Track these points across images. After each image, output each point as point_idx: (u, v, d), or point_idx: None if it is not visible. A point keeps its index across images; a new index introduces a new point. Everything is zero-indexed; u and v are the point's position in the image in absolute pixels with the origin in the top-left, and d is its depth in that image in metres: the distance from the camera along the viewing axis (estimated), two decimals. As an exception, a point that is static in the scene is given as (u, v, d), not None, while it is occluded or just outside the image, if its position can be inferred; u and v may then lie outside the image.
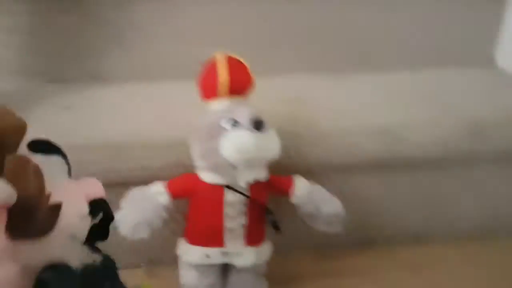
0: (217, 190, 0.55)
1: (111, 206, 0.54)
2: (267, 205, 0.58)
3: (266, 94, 0.71)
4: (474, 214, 0.73)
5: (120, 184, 0.61)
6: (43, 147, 0.32)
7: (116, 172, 0.59)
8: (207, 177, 0.55)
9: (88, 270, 0.30)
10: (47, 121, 0.64)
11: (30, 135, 0.58)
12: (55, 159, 0.33)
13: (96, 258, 0.33)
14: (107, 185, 0.59)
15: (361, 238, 0.71)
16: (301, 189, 0.58)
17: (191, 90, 0.58)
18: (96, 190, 0.36)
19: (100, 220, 0.35)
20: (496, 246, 0.71)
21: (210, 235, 0.57)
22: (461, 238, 0.72)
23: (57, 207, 0.30)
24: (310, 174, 0.64)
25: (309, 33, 0.81)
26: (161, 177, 0.59)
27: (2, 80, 0.75)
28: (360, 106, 0.69)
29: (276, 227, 0.59)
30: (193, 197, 0.57)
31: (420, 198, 0.71)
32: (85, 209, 0.34)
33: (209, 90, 0.56)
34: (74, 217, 0.32)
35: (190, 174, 0.57)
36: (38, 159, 0.31)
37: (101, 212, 0.35)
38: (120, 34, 0.77)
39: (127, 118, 0.66)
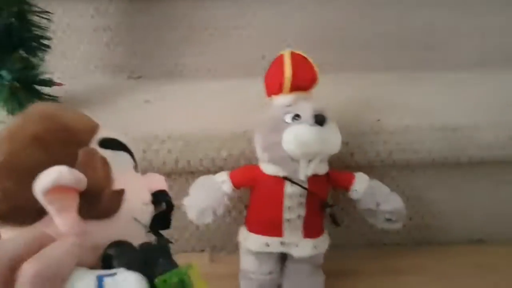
0: (278, 181, 0.57)
1: (181, 192, 0.60)
2: (326, 199, 0.59)
3: (332, 91, 0.72)
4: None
5: (189, 173, 0.66)
6: (112, 144, 0.37)
7: (186, 161, 0.64)
8: (269, 169, 0.57)
9: (145, 247, 0.33)
10: (129, 113, 0.71)
11: (114, 125, 0.66)
12: (122, 154, 0.37)
13: (154, 239, 0.37)
14: (178, 173, 0.66)
15: (421, 237, 0.70)
16: (361, 184, 0.59)
17: (257, 86, 0.60)
18: (160, 183, 0.40)
19: (162, 211, 0.39)
20: None
21: (270, 225, 0.59)
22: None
23: (120, 193, 0.34)
24: (372, 171, 0.64)
25: (375, 32, 0.81)
26: (226, 167, 0.62)
27: (89, 74, 0.83)
28: (425, 105, 0.68)
29: (335, 221, 0.60)
30: (254, 188, 0.60)
31: (483, 199, 0.68)
32: (147, 197, 0.37)
33: (274, 86, 0.58)
34: (137, 203, 0.36)
35: (252, 166, 0.60)
36: (107, 153, 0.35)
37: (163, 202, 0.39)
38: (194, 34, 0.82)
39: (197, 112, 0.70)
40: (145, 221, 0.37)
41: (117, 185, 0.35)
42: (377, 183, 0.59)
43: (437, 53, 0.81)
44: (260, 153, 0.58)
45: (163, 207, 0.39)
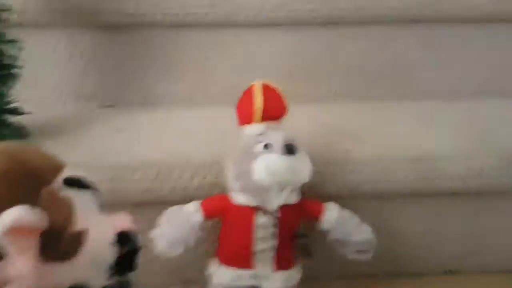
0: (249, 211, 0.56)
1: (152, 223, 0.58)
2: (298, 229, 0.59)
3: (303, 121, 0.73)
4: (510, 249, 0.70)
5: (160, 203, 0.64)
6: (77, 183, 0.37)
7: (156, 191, 0.63)
8: (240, 198, 0.57)
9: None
10: (98, 142, 0.69)
11: (82, 154, 0.65)
12: (87, 194, 0.38)
13: (116, 281, 0.37)
14: (149, 204, 0.64)
15: (392, 268, 0.70)
16: (331, 214, 0.59)
17: (231, 116, 0.60)
18: (126, 223, 0.39)
19: (128, 251, 0.38)
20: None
21: (240, 257, 0.58)
22: (497, 273, 0.68)
23: (82, 234, 0.34)
24: (343, 201, 0.64)
25: (346, 64, 0.82)
26: (198, 197, 0.61)
27: (61, 103, 0.82)
28: (395, 135, 0.69)
29: (307, 252, 0.59)
30: (225, 218, 0.59)
31: (454, 230, 0.69)
32: (111, 238, 0.37)
33: (245, 115, 0.59)
34: (100, 244, 0.36)
35: (224, 195, 0.60)
36: (71, 193, 0.36)
37: (129, 243, 0.38)
38: (169, 63, 0.82)
39: (170, 140, 0.69)
40: (108, 262, 0.36)
41: (79, 226, 0.34)
42: (347, 214, 0.60)
43: (407, 84, 0.83)
44: (231, 182, 0.58)
45: (129, 248, 0.38)
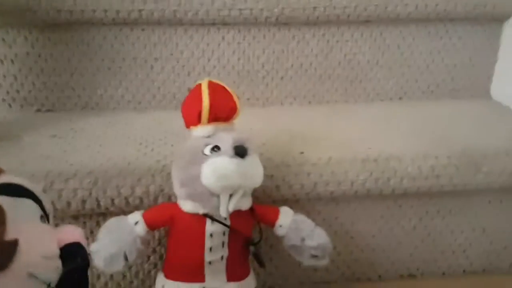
0: (197, 220, 0.52)
1: (92, 237, 0.53)
2: (251, 236, 0.55)
3: (256, 123, 0.71)
4: (470, 249, 0.70)
5: (99, 214, 0.59)
6: (14, 190, 0.34)
7: (94, 201, 0.57)
8: (187, 206, 0.53)
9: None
10: (32, 149, 0.64)
11: (14, 161, 0.59)
12: (25, 202, 0.34)
13: None
14: (87, 216, 0.59)
15: (351, 273, 0.68)
16: (285, 219, 0.55)
17: (180, 119, 0.57)
18: (74, 235, 0.36)
19: (74, 268, 0.35)
20: (493, 283, 0.67)
21: (190, 269, 0.54)
22: (457, 275, 0.68)
23: (13, 244, 0.31)
24: (298, 205, 0.62)
25: (301, 65, 0.80)
26: (142, 207, 0.57)
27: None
28: (350, 137, 0.68)
29: (259, 261, 0.56)
30: (172, 228, 0.54)
31: (412, 232, 0.68)
32: (51, 251, 0.34)
33: (192, 116, 0.54)
34: (35, 257, 0.32)
35: (169, 204, 0.55)
36: (4, 200, 0.32)
37: (76, 259, 0.35)
38: (112, 64, 0.77)
39: (111, 146, 0.64)
40: (46, 277, 0.33)
41: (11, 235, 0.31)
42: (301, 218, 0.57)
43: (359, 86, 0.82)
44: (177, 189, 0.54)
45: (76, 265, 0.35)
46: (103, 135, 0.69)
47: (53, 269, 0.34)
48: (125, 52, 0.77)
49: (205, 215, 0.52)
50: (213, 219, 0.52)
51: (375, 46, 0.81)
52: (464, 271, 0.71)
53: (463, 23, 0.81)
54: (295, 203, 0.61)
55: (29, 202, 0.35)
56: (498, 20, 0.82)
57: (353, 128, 0.71)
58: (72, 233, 0.36)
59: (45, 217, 0.36)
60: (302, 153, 0.62)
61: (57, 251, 0.34)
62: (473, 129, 0.71)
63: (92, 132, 0.69)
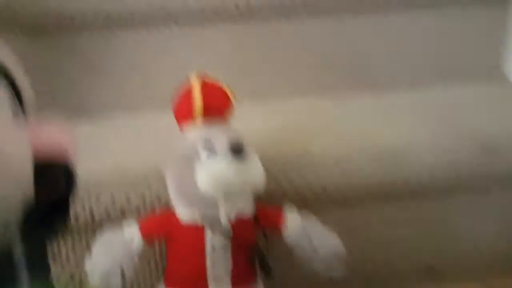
0: (197, 229, 0.48)
1: (86, 254, 0.49)
2: (255, 244, 0.51)
3: (256, 119, 0.66)
4: (492, 245, 0.65)
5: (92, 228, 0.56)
6: None
7: (88, 213, 0.54)
8: (185, 214, 0.49)
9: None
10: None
11: None
12: None
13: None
14: (81, 230, 0.55)
15: (365, 276, 0.63)
16: (293, 226, 0.51)
17: (169, 119, 0.53)
18: (55, 136, 0.26)
19: (53, 182, 0.24)
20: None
21: (192, 282, 0.50)
22: (479, 272, 0.63)
23: None
24: (303, 204, 0.57)
25: (303, 54, 0.76)
26: (138, 215, 0.53)
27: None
28: (357, 129, 0.63)
29: (265, 270, 0.52)
30: (171, 239, 0.51)
31: (429, 229, 0.63)
32: (24, 155, 0.23)
33: (183, 116, 0.51)
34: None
35: (166, 212, 0.51)
36: None
37: (54, 170, 0.25)
38: (102, 67, 0.73)
39: (102, 152, 0.61)
40: (19, 198, 0.22)
41: None
42: (310, 223, 0.52)
43: (367, 74, 0.77)
44: (173, 197, 0.50)
45: (55, 177, 0.24)
46: (92, 140, 0.64)
47: (27, 186, 0.23)
48: (114, 54, 0.73)
49: (204, 224, 0.48)
50: (212, 228, 0.48)
51: (380, 33, 0.76)
52: (485, 269, 0.66)
53: (470, 3, 0.76)
54: (301, 202, 0.56)
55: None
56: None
57: (359, 120, 0.66)
58: (53, 132, 0.25)
59: (19, 107, 0.25)
60: (308, 150, 0.58)
61: (31, 159, 0.23)
62: (490, 115, 0.66)
63: (83, 139, 0.65)
